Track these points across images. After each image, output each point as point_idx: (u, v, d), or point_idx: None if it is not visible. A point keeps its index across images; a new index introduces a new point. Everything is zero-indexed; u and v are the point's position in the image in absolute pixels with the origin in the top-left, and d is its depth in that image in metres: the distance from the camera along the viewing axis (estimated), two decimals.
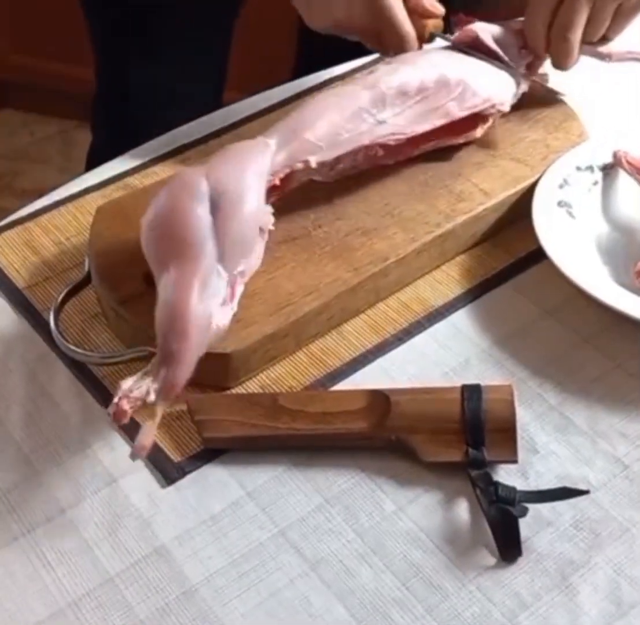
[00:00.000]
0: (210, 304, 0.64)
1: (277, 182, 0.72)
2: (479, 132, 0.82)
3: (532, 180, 0.81)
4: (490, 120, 0.83)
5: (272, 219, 0.71)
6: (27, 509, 0.64)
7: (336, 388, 0.70)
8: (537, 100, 0.88)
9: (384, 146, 0.77)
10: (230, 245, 0.65)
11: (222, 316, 0.65)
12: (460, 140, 0.82)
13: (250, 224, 0.67)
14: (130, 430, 0.68)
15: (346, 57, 0.99)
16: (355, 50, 0.94)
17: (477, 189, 0.80)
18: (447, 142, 0.82)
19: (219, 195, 0.66)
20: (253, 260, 0.69)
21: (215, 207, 0.66)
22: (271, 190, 0.72)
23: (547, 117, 0.87)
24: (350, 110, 0.75)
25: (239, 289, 0.68)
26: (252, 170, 0.69)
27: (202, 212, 0.65)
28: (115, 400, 0.60)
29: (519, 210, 0.81)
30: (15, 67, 2.13)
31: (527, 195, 0.81)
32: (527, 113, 0.86)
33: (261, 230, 0.69)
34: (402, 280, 0.76)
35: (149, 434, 0.61)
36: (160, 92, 1.14)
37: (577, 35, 0.82)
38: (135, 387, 0.61)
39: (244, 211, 0.67)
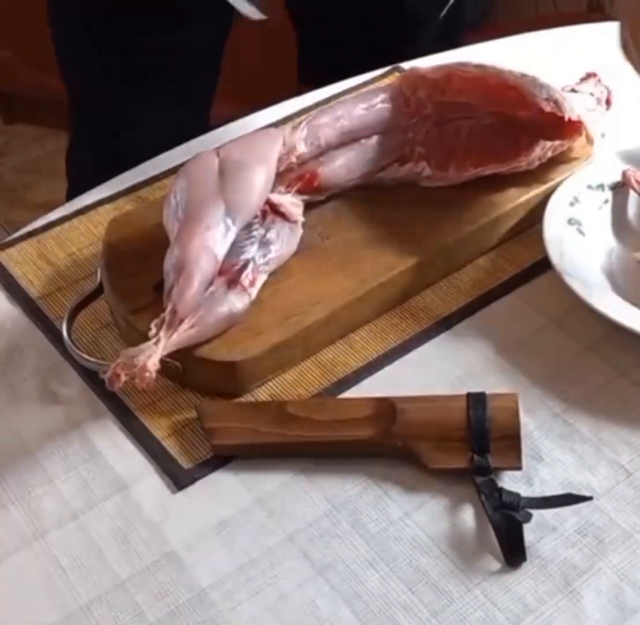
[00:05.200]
0: (215, 246, 0.69)
1: (294, 159, 0.76)
2: (523, 162, 0.81)
3: (537, 191, 0.82)
4: (537, 151, 0.81)
5: (298, 209, 0.75)
6: (40, 514, 0.65)
7: (343, 396, 0.71)
8: None
9: (428, 160, 0.80)
10: (233, 202, 0.72)
11: (238, 301, 0.69)
12: (504, 168, 0.81)
13: (254, 186, 0.73)
14: (142, 437, 0.69)
15: (346, 71, 1.00)
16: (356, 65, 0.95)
17: (483, 200, 0.81)
18: (491, 170, 0.81)
19: (225, 165, 0.74)
20: (279, 249, 0.74)
21: (222, 174, 0.73)
22: (296, 180, 0.76)
23: None
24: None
25: (261, 278, 0.72)
26: (258, 148, 0.76)
27: (210, 178, 0.73)
28: (112, 366, 0.64)
29: (525, 221, 0.82)
30: (25, 82, 2.15)
31: (532, 206, 0.82)
32: None
33: (284, 216, 0.75)
34: (409, 290, 0.77)
35: (151, 354, 0.64)
36: (151, 125, 1.12)
37: None
38: (133, 355, 0.64)
39: (245, 174, 0.73)
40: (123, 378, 0.63)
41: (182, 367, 0.70)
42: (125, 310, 0.72)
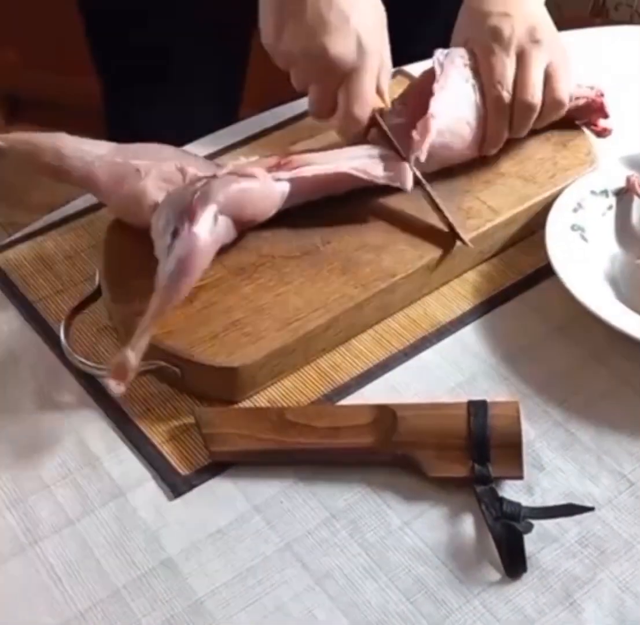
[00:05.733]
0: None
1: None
2: None
3: (539, 198, 0.82)
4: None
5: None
6: (35, 520, 0.64)
7: (343, 403, 0.71)
8: None
9: None
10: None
11: (180, 249, 0.68)
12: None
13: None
14: (139, 443, 0.68)
15: None
16: None
17: (485, 206, 0.80)
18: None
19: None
20: (238, 195, 0.72)
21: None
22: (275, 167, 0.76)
23: (555, 135, 0.87)
24: None
25: (207, 212, 0.69)
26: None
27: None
28: (107, 382, 0.64)
29: (527, 228, 0.82)
30: (27, 83, 2.15)
31: (535, 213, 0.81)
32: (535, 131, 0.87)
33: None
34: (410, 296, 0.77)
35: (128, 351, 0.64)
36: (171, 127, 1.11)
37: None
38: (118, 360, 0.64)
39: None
40: (114, 384, 0.64)
41: (181, 372, 0.69)
42: (124, 314, 0.72)
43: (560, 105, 0.83)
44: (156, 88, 1.12)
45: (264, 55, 0.81)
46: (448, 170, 0.83)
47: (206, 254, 0.69)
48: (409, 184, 0.78)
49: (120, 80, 1.15)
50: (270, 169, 0.75)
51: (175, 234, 0.69)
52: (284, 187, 0.75)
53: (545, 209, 0.81)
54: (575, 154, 0.86)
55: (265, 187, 0.74)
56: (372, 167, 0.78)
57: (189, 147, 0.90)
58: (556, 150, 0.86)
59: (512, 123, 0.82)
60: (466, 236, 0.77)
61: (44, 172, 0.75)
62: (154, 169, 0.75)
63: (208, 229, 0.69)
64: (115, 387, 0.64)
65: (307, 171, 0.76)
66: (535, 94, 0.80)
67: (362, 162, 0.78)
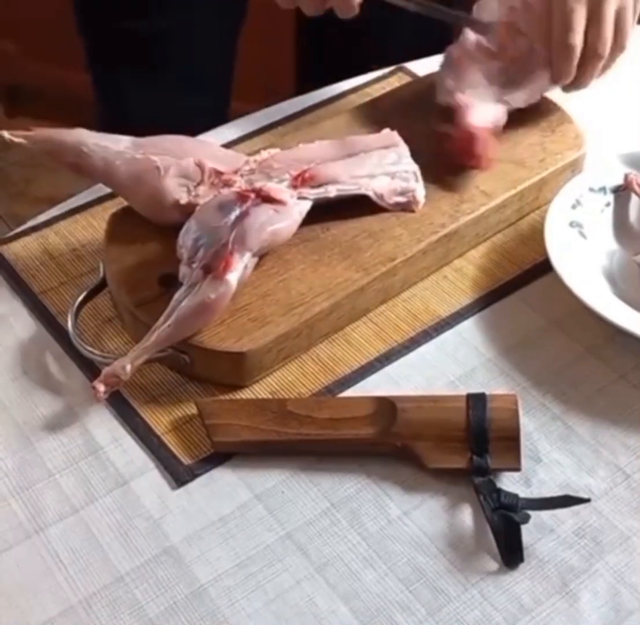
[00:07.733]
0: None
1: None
2: None
3: (531, 181, 0.83)
4: None
5: (285, 191, 0.76)
6: (40, 508, 0.65)
7: (344, 395, 0.72)
8: (533, 105, 0.88)
9: None
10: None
11: (211, 291, 0.69)
12: None
13: None
14: (143, 433, 0.69)
15: (344, 70, 1.00)
16: (357, 65, 0.95)
17: (479, 191, 0.82)
18: None
19: None
20: (261, 230, 0.72)
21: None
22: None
23: (542, 121, 0.88)
24: None
25: (239, 262, 0.70)
26: None
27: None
28: (93, 383, 0.67)
29: (520, 211, 0.84)
30: (28, 74, 2.15)
31: (527, 196, 0.83)
32: (523, 117, 0.87)
33: (269, 198, 0.74)
34: (409, 279, 0.79)
35: (124, 364, 0.67)
36: (163, 113, 1.10)
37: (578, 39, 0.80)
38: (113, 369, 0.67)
39: None
40: (102, 388, 0.66)
41: (190, 359, 0.70)
42: (130, 303, 0.72)
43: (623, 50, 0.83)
44: (145, 70, 1.12)
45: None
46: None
47: (229, 297, 0.70)
48: (418, 208, 0.80)
49: (110, 62, 1.15)
50: (294, 184, 0.76)
51: (206, 269, 0.69)
52: (306, 206, 0.76)
53: (537, 192, 0.83)
54: (563, 138, 0.87)
55: (292, 220, 0.75)
56: (389, 191, 0.79)
57: (204, 136, 0.91)
58: (544, 135, 0.87)
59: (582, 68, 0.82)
60: (464, 218, 0.79)
61: (66, 168, 0.76)
62: (173, 166, 0.75)
63: (239, 276, 0.70)
64: (99, 393, 0.66)
65: (331, 192, 0.77)
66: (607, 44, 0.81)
67: (380, 182, 0.79)
